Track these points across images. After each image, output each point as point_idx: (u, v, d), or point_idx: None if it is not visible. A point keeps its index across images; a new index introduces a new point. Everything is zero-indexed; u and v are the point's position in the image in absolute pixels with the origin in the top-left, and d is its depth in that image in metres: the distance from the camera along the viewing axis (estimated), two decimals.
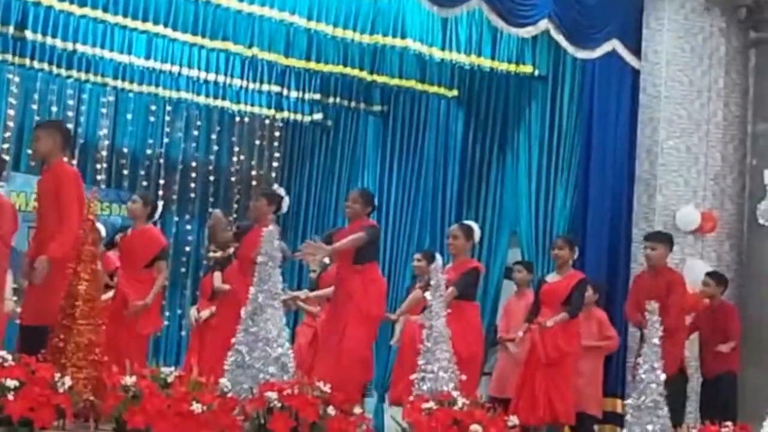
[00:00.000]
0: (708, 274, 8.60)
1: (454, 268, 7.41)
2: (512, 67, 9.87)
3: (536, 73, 9.96)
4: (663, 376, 6.37)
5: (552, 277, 7.91)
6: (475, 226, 7.82)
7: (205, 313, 8.43)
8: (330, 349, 7.04)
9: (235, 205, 11.83)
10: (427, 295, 6.07)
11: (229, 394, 5.08)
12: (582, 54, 9.66)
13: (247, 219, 7.64)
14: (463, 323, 7.01)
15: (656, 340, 6.38)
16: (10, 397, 4.58)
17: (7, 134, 10.59)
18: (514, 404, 7.57)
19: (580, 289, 7.71)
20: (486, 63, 9.83)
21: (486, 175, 10.74)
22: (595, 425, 8.54)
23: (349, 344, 6.96)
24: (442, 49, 9.64)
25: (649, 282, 7.79)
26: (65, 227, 5.75)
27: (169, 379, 4.91)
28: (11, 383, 4.60)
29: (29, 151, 10.66)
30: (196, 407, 4.80)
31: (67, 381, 4.82)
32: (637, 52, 9.64)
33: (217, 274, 8.21)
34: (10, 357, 4.77)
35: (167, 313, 10.97)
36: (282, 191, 8.02)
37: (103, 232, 7.95)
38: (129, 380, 4.85)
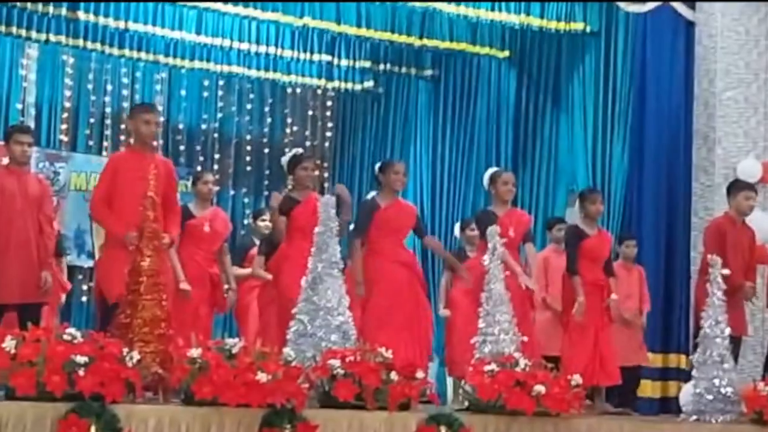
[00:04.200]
0: None
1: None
2: (563, 25, 9.77)
3: (588, 29, 9.84)
4: (728, 331, 6.32)
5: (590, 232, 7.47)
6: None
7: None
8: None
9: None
10: (485, 258, 6.07)
11: (293, 363, 5.16)
12: (633, 7, 9.52)
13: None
14: None
15: (720, 294, 6.32)
16: (81, 373, 4.70)
17: (65, 115, 10.73)
18: (583, 366, 6.89)
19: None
20: (536, 22, 9.75)
21: (540, 134, 10.67)
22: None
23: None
24: (492, 10, 9.57)
25: (738, 235, 7.23)
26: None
27: (234, 350, 5.00)
28: (81, 359, 4.72)
29: (86, 132, 10.87)
30: (262, 377, 4.88)
31: (135, 355, 4.93)
32: (689, 3, 9.47)
33: (260, 259, 7.80)
34: (79, 334, 4.89)
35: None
36: (288, 156, 7.74)
37: None
38: (195, 352, 4.95)
